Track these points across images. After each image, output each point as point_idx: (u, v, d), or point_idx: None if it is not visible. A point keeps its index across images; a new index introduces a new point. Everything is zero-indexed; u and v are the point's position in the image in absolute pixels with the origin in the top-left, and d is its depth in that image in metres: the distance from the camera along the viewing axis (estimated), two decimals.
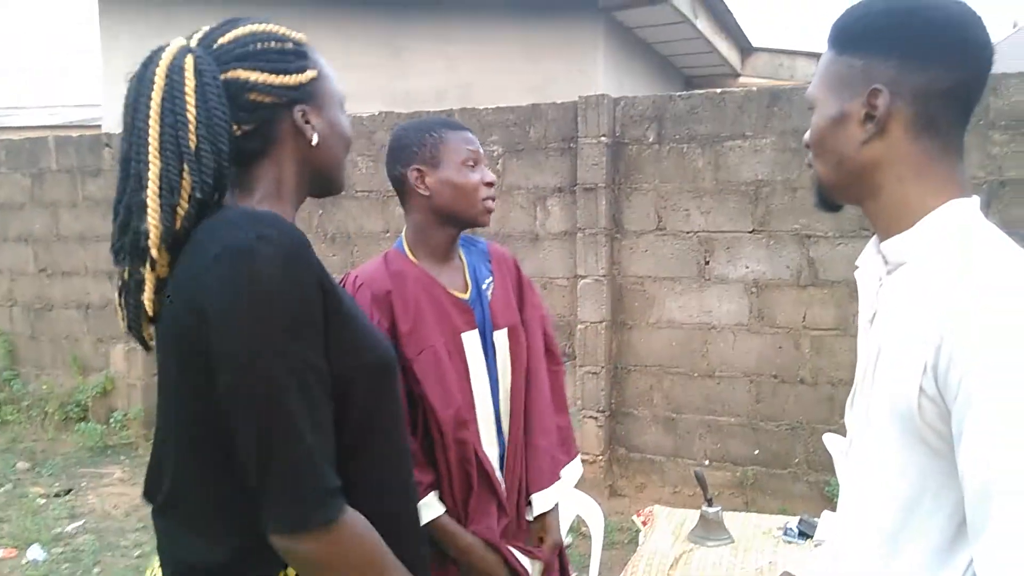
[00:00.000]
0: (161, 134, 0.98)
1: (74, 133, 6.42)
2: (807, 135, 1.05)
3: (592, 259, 4.40)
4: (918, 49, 0.93)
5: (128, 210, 1.00)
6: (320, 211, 5.07)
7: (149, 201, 0.98)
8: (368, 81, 6.85)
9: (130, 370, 5.73)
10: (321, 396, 0.97)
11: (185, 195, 0.99)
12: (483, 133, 4.67)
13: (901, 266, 0.97)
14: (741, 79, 8.49)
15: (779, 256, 4.10)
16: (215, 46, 1.05)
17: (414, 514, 1.19)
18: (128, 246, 1.01)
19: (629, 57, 7.25)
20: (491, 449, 1.72)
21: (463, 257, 1.80)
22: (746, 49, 8.50)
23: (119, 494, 4.61)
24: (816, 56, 8.39)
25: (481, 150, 1.74)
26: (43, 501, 4.56)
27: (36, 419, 5.94)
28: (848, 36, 0.99)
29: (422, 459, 1.64)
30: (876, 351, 0.98)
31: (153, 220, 0.98)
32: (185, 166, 0.98)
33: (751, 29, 8.12)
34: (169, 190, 0.98)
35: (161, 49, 1.03)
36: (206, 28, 1.08)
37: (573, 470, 1.91)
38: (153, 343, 1.06)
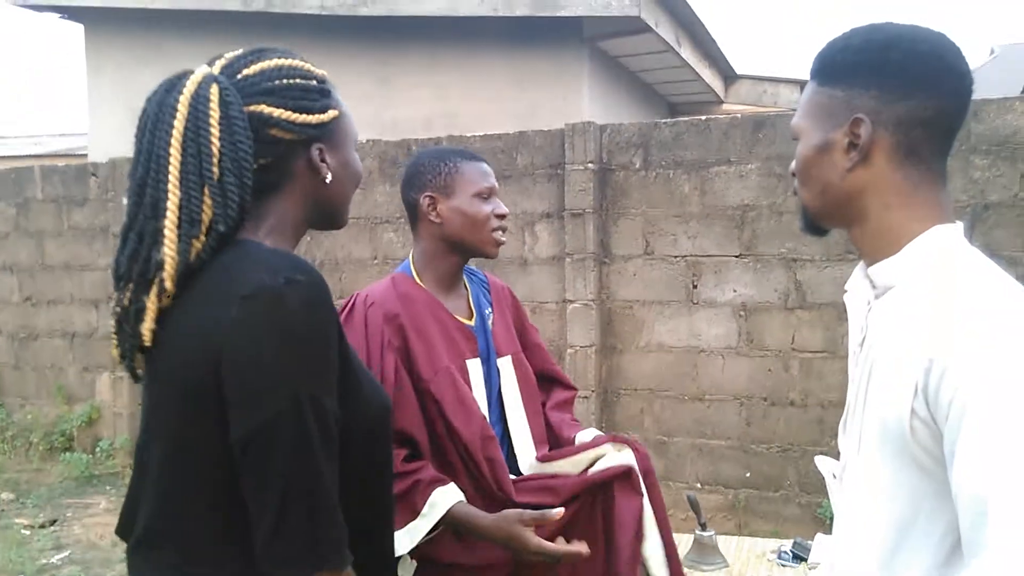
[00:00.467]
0: (183, 163, 0.97)
1: (60, 162, 6.41)
2: (793, 164, 1.07)
3: (581, 284, 4.42)
4: (898, 79, 0.95)
5: (140, 238, 0.98)
6: (309, 238, 5.07)
7: (167, 231, 0.96)
8: (356, 109, 6.86)
9: (116, 399, 5.67)
10: (335, 442, 0.97)
11: (204, 227, 0.97)
12: None
13: (889, 290, 0.99)
14: (725, 106, 8.60)
15: (767, 279, 4.13)
16: (239, 77, 1.04)
17: (388, 560, 1.20)
18: (136, 274, 0.98)
19: (614, 85, 7.34)
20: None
21: (467, 286, 1.82)
22: (730, 76, 8.62)
23: (105, 524, 4.54)
24: (799, 83, 8.52)
25: (496, 184, 1.76)
26: (28, 532, 4.49)
27: (21, 449, 5.86)
28: (830, 68, 1.02)
29: (420, 460, 1.62)
30: (867, 374, 1.00)
31: (170, 251, 0.96)
32: (208, 198, 0.97)
33: (735, 57, 8.25)
34: (189, 221, 0.96)
35: (184, 75, 1.02)
36: (230, 56, 1.07)
37: (586, 432, 1.93)
38: (142, 373, 1.03)
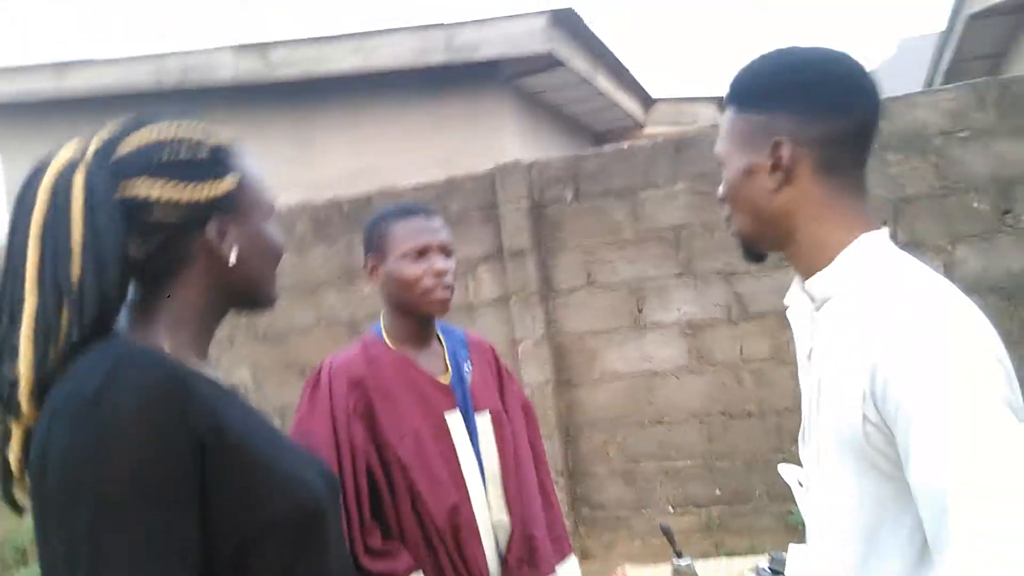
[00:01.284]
0: (40, 264, 0.85)
1: None
2: (721, 190, 1.10)
3: (528, 321, 4.41)
4: (812, 100, 1.00)
5: (0, 353, 0.86)
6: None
7: (22, 346, 0.84)
8: (280, 172, 6.81)
9: None
10: (177, 565, 0.81)
11: (62, 336, 0.84)
12: None
13: (827, 301, 1.02)
14: (647, 130, 8.78)
15: (708, 296, 4.18)
16: (114, 156, 0.91)
17: None
18: None
19: (537, 121, 7.43)
20: (486, 535, 1.65)
21: (443, 342, 1.77)
22: (647, 100, 8.82)
23: None
24: (715, 99, 8.76)
25: (438, 237, 1.68)
26: None
27: (8, 565, 5.56)
28: (746, 93, 1.05)
29: (393, 546, 1.58)
30: (817, 385, 1.02)
31: (25, 367, 0.84)
32: (64, 302, 0.84)
33: (651, 80, 8.44)
34: (44, 331, 0.84)
35: (47, 162, 0.90)
36: (106, 131, 0.94)
37: (570, 569, 1.83)
38: (26, 505, 0.89)
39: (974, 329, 0.88)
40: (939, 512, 0.83)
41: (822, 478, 1.02)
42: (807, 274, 1.04)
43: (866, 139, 1.03)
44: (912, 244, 3.81)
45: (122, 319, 0.94)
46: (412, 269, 1.65)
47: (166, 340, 0.94)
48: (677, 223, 4.20)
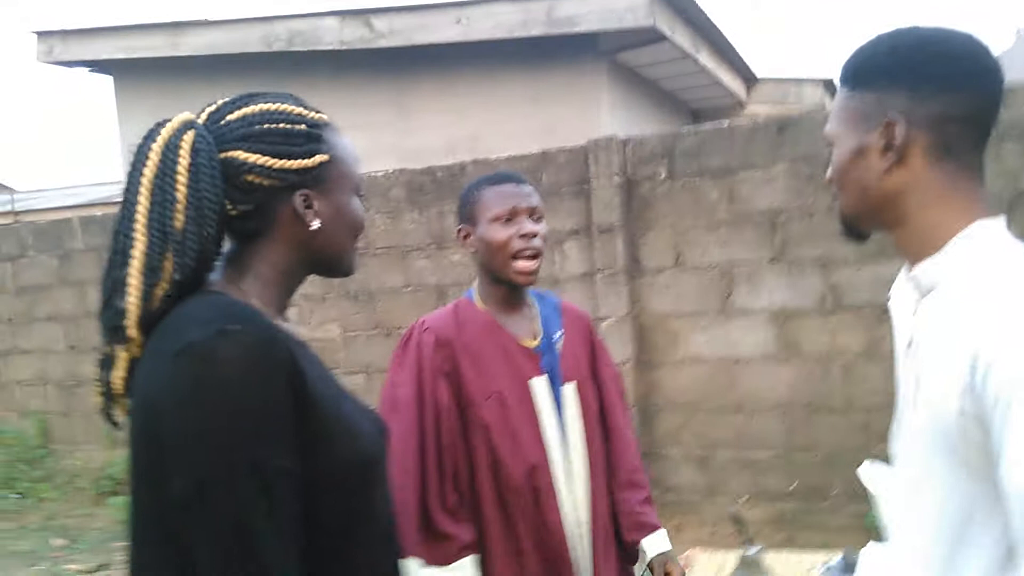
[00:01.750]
0: (150, 211, 0.96)
1: (97, 212, 6.57)
2: (829, 171, 1.08)
3: (613, 299, 4.39)
4: (928, 79, 0.96)
5: (112, 287, 0.97)
6: None
7: (131, 279, 0.95)
8: (378, 140, 6.96)
9: None
10: (291, 502, 0.92)
11: (167, 276, 0.95)
12: None
13: (933, 290, 0.98)
14: (748, 108, 8.53)
15: (801, 284, 4.06)
16: (222, 122, 1.03)
17: None
18: (106, 323, 0.97)
19: (634, 96, 7.33)
20: (565, 501, 1.68)
21: (536, 307, 1.80)
22: (750, 79, 8.56)
23: None
24: (822, 82, 8.42)
25: (527, 201, 1.70)
26: None
27: (70, 495, 5.96)
28: (860, 73, 1.02)
29: (465, 515, 1.62)
30: (916, 377, 0.99)
31: (133, 299, 0.95)
32: (169, 247, 0.95)
33: (755, 59, 8.20)
34: (151, 270, 0.95)
35: (162, 123, 1.01)
36: (220, 102, 1.06)
37: (657, 542, 1.83)
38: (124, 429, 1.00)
39: None
40: None
41: (911, 474, 1.00)
42: (915, 260, 1.00)
43: (985, 121, 0.98)
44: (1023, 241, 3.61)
45: (216, 272, 1.05)
46: (501, 232, 1.67)
47: (253, 294, 1.04)
48: (774, 207, 4.09)
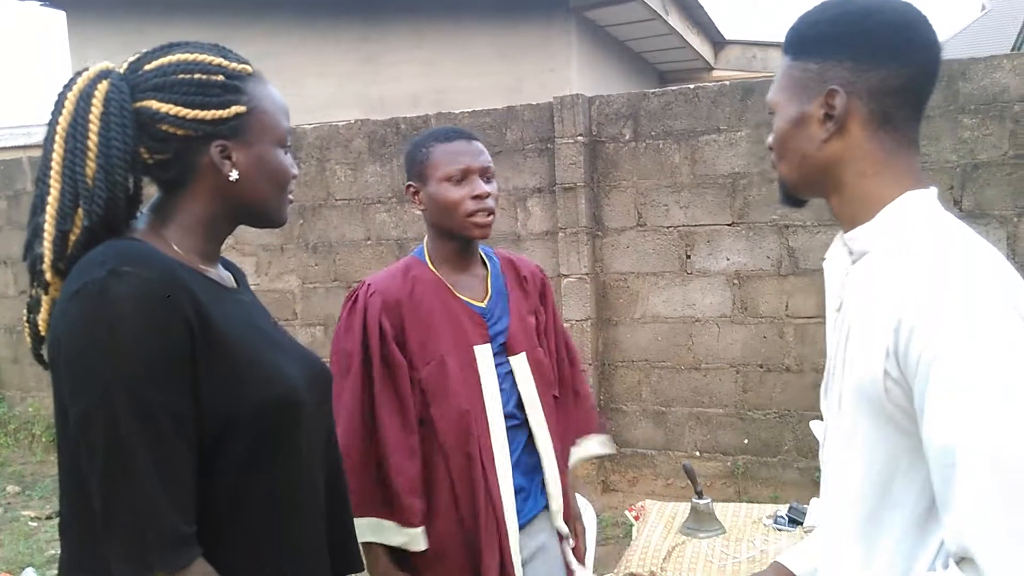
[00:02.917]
0: (63, 159, 0.99)
1: None
2: (770, 138, 1.09)
3: (574, 258, 4.42)
4: (870, 50, 0.97)
5: (33, 232, 1.01)
6: (301, 221, 5.07)
7: (46, 225, 0.99)
8: (343, 88, 6.85)
9: None
10: (177, 442, 0.94)
11: (78, 222, 0.99)
12: None
13: (864, 256, 1.02)
14: (715, 73, 8.55)
15: (759, 247, 4.14)
16: (139, 72, 1.04)
17: (308, 560, 1.13)
18: (29, 267, 1.02)
19: (602, 55, 7.29)
20: (504, 470, 1.68)
21: (487, 265, 1.78)
22: (719, 43, 8.57)
23: None
24: None
25: (479, 161, 1.68)
26: (35, 524, 4.53)
27: (24, 442, 5.89)
28: (803, 41, 1.03)
29: (418, 486, 1.63)
30: (844, 338, 1.02)
31: (47, 244, 0.99)
32: (79, 195, 0.98)
33: (723, 22, 8.19)
34: (63, 216, 0.98)
35: (81, 72, 1.03)
36: (144, 51, 1.07)
37: (592, 445, 1.94)
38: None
39: (1003, 288, 0.87)
40: (947, 469, 0.84)
41: (840, 430, 1.03)
42: (849, 226, 1.03)
43: (922, 93, 1.00)
44: (977, 212, 3.71)
45: (141, 219, 1.09)
46: (454, 192, 1.64)
47: (174, 241, 1.07)
48: (736, 171, 4.14)
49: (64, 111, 1.00)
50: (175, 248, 1.06)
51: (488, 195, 1.66)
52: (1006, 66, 3.66)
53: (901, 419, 0.93)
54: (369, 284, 1.69)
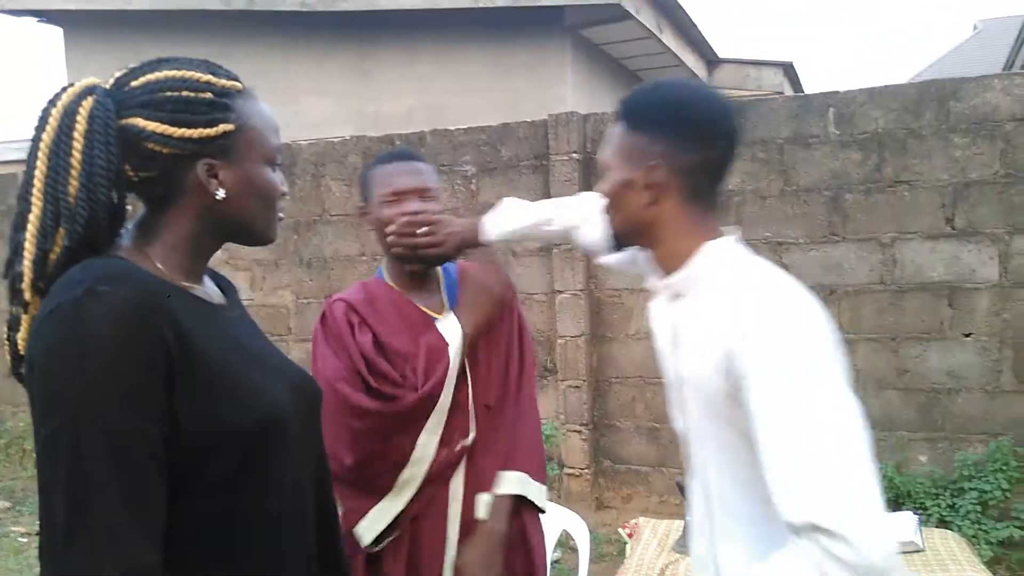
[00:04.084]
0: (46, 176, 0.97)
1: None
2: (604, 189, 1.25)
3: (569, 274, 4.43)
4: (685, 135, 1.16)
5: (14, 250, 0.99)
6: (295, 236, 5.07)
7: (27, 243, 0.97)
8: (339, 105, 6.88)
9: None
10: (147, 466, 0.92)
11: (59, 241, 0.97)
12: (455, 153, 4.70)
13: (684, 296, 1.21)
14: None
15: None
16: (125, 88, 1.02)
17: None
18: (9, 285, 0.99)
19: (597, 73, 7.34)
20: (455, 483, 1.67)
21: (440, 280, 1.80)
22: (712, 61, 8.63)
23: None
24: (782, 65, 8.53)
25: (413, 181, 1.68)
26: (25, 540, 4.50)
27: (15, 457, 5.85)
28: (634, 117, 1.21)
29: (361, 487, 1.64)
30: (684, 366, 1.21)
31: (28, 263, 0.97)
32: (60, 213, 0.96)
33: (717, 41, 8.25)
34: (43, 235, 0.97)
35: (67, 87, 1.01)
36: (131, 66, 1.05)
37: (511, 480, 1.71)
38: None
39: (807, 308, 1.08)
40: (770, 460, 1.02)
41: (699, 436, 1.22)
42: (667, 272, 1.23)
43: (724, 170, 1.20)
44: (968, 230, 3.73)
45: (125, 237, 1.06)
46: (386, 212, 1.67)
47: (158, 259, 1.05)
48: (728, 188, 4.15)
49: (48, 127, 0.98)
50: (159, 266, 1.04)
51: (416, 214, 1.65)
52: (997, 86, 3.69)
53: (740, 423, 1.09)
54: (333, 297, 1.74)
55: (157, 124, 1.00)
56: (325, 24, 6.84)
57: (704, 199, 1.20)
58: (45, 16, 7.89)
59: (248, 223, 1.11)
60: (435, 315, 1.71)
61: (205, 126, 1.03)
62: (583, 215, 1.65)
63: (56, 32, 8.01)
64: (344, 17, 6.72)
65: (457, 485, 1.67)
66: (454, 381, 1.65)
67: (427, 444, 1.63)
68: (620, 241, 1.29)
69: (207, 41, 6.82)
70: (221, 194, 1.06)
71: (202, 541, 0.99)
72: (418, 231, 1.65)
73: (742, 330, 1.06)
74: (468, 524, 1.65)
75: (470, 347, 1.69)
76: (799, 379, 1.02)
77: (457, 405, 1.66)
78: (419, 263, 1.70)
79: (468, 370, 1.70)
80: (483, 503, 1.65)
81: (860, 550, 0.95)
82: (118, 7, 7.19)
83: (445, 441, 1.64)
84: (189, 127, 1.02)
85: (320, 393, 1.21)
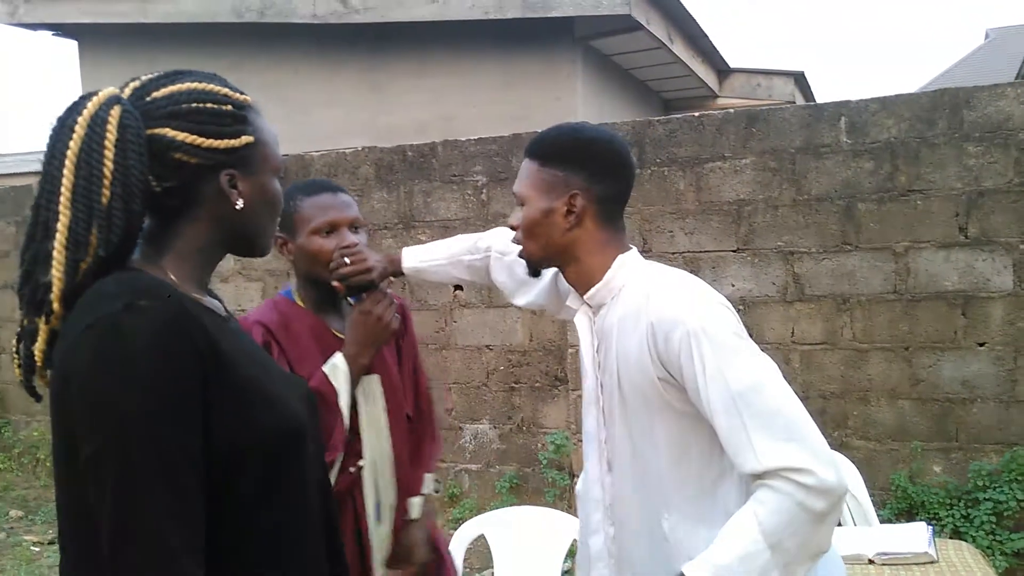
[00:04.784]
0: (75, 186, 0.96)
1: None
2: (518, 221, 1.45)
3: None
4: (598, 169, 1.40)
5: (34, 260, 0.98)
6: None
7: (55, 253, 0.96)
8: (351, 117, 6.91)
9: None
10: (190, 481, 0.92)
11: (92, 251, 0.96)
12: (466, 164, 4.71)
13: (603, 306, 1.43)
14: (720, 100, 8.60)
15: (764, 273, 4.13)
16: (148, 99, 1.03)
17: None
18: (28, 296, 0.98)
19: (607, 83, 7.35)
20: (369, 497, 1.73)
21: (350, 301, 1.82)
22: (723, 71, 8.63)
23: None
24: (793, 75, 8.52)
25: (346, 213, 1.73)
26: (37, 549, 4.52)
27: (28, 466, 5.89)
28: (548, 154, 1.43)
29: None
30: (614, 366, 1.38)
31: (57, 273, 0.96)
32: (94, 222, 0.95)
33: (728, 50, 8.26)
34: (75, 244, 0.95)
35: (88, 96, 1.00)
36: (146, 78, 1.06)
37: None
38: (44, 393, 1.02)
39: (714, 293, 1.34)
40: (723, 422, 1.22)
41: (631, 431, 1.39)
42: (585, 289, 1.44)
43: (627, 196, 1.46)
44: (982, 239, 3.70)
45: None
46: (322, 244, 1.70)
47: (171, 270, 1.05)
48: (740, 197, 4.15)
49: (75, 135, 0.96)
50: (172, 277, 1.04)
51: (355, 245, 1.72)
52: (1010, 94, 3.67)
53: (679, 404, 1.30)
54: (248, 316, 1.74)
55: (187, 135, 1.02)
56: (337, 36, 6.89)
57: (614, 221, 1.43)
58: (60, 30, 7.99)
59: (259, 233, 1.15)
60: (341, 334, 1.76)
61: (230, 137, 1.06)
62: (499, 247, 1.78)
63: (71, 45, 8.09)
64: (355, 29, 6.76)
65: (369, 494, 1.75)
66: (348, 424, 1.70)
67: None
68: (536, 266, 1.49)
69: (220, 54, 6.88)
70: (240, 204, 1.08)
71: (237, 552, 0.99)
72: (349, 260, 1.70)
73: (666, 317, 1.28)
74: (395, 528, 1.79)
75: (371, 372, 1.75)
76: (728, 347, 1.25)
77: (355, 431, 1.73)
78: (352, 292, 1.74)
79: (382, 390, 1.77)
80: (415, 504, 1.84)
81: (826, 477, 1.16)
82: (133, 20, 7.27)
83: (343, 469, 1.69)
84: (216, 138, 1.04)
85: (316, 401, 1.23)
